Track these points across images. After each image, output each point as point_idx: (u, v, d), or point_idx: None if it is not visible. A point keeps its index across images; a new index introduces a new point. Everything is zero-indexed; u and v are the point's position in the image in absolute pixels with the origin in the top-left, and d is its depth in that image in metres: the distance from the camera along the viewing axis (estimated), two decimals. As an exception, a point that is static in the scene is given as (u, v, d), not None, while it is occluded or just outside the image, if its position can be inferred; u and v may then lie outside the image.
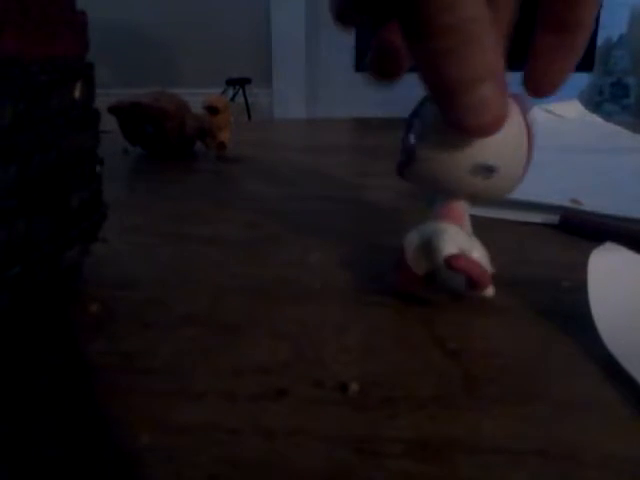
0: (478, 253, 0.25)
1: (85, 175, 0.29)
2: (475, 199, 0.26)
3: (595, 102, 2.10)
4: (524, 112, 0.25)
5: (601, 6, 1.73)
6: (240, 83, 2.09)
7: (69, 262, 0.28)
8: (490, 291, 0.25)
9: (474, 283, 0.24)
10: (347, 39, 2.17)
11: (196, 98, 0.61)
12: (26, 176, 0.23)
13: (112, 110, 0.56)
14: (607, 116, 0.78)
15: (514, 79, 0.24)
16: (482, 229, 0.28)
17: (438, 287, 0.25)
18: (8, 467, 0.17)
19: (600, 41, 2.11)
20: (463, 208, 0.26)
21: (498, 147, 0.24)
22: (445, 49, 0.20)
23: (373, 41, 0.28)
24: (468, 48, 0.21)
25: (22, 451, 0.17)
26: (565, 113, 0.73)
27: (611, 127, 0.69)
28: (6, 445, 0.17)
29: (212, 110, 0.56)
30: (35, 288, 0.25)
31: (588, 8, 0.25)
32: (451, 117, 0.22)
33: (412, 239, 0.26)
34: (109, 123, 0.42)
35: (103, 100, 0.33)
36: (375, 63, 0.28)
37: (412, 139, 0.25)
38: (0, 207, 0.22)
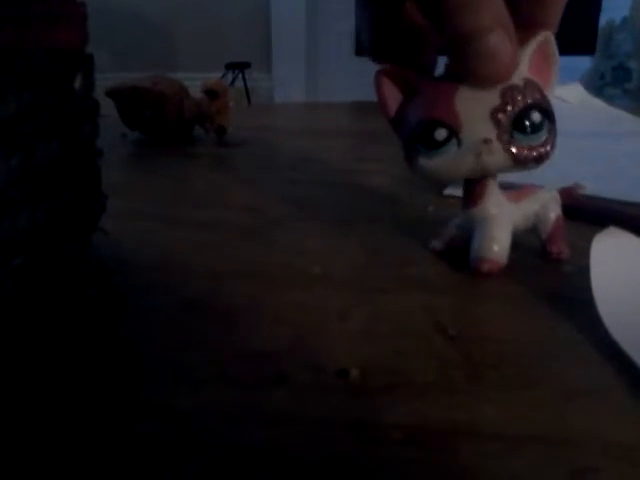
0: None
1: (84, 166, 0.29)
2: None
3: (596, 86, 2.08)
4: None
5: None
6: (240, 67, 2.07)
7: (70, 252, 0.28)
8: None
9: None
10: (346, 23, 2.15)
11: (195, 82, 0.61)
12: (29, 167, 0.23)
13: (110, 94, 0.55)
14: (609, 100, 0.77)
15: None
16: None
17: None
18: (9, 456, 0.17)
19: (602, 24, 2.08)
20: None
21: None
22: (460, 2, 0.23)
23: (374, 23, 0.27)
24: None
25: (23, 438, 0.17)
26: (567, 97, 0.72)
27: (613, 111, 0.68)
28: (7, 433, 0.17)
29: (211, 94, 0.55)
30: (37, 278, 0.25)
31: None
32: (464, 66, 0.24)
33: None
34: (107, 107, 0.42)
35: (101, 84, 0.33)
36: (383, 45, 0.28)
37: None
38: (4, 198, 0.22)
